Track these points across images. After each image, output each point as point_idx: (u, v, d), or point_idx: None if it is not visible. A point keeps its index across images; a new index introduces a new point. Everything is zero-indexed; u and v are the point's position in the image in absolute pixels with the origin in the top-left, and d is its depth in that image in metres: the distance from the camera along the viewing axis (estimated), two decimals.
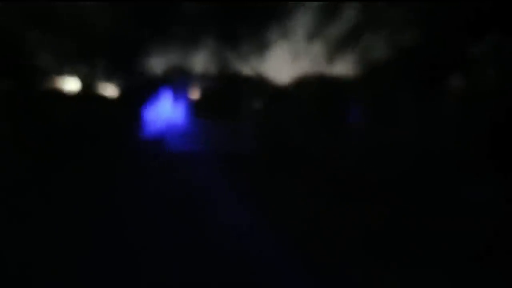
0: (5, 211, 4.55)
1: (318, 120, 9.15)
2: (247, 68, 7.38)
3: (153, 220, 4.48)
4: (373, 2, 5.96)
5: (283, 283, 2.96)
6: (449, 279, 3.13)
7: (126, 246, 3.62)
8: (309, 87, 10.99)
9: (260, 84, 15.77)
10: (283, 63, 6.84)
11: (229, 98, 12.34)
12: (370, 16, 6.03)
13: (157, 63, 18.81)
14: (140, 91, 19.36)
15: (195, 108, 14.12)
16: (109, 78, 19.10)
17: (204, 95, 16.87)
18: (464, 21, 5.94)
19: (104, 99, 21.59)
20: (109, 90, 21.65)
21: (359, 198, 5.32)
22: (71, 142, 10.33)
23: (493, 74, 7.10)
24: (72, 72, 17.49)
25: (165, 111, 17.15)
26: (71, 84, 19.57)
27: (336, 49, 6.41)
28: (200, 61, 7.55)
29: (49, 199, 5.20)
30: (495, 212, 4.66)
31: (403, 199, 5.15)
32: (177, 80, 15.79)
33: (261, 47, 6.51)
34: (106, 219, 4.45)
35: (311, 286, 2.90)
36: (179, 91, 13.71)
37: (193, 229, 4.15)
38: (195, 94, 14.67)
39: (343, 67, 6.44)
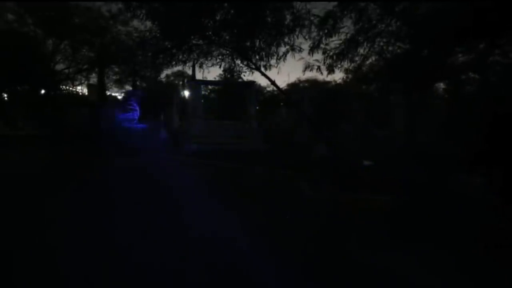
0: (22, 198, 5.02)
1: (320, 120, 9.70)
2: (256, 75, 7.86)
3: (153, 215, 4.59)
4: (367, 18, 6.45)
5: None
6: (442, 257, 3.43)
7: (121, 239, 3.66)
8: (311, 92, 11.66)
9: (266, 90, 16.39)
10: (288, 71, 7.42)
11: (238, 102, 12.99)
12: (365, 30, 6.53)
13: (171, 71, 19.30)
14: (150, 96, 20.08)
15: (205, 110, 14.80)
16: (120, 83, 19.89)
17: (216, 99, 17.50)
18: (451, 31, 6.25)
19: (113, 102, 22.34)
20: (119, 94, 22.40)
21: (360, 190, 5.68)
22: (81, 142, 10.94)
23: (478, 80, 7.63)
24: (86, 77, 18.29)
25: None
26: (84, 88, 20.41)
27: (335, 59, 6.90)
28: (214, 69, 8.02)
29: (60, 190, 5.64)
30: (479, 203, 5.06)
31: (398, 191, 5.49)
32: (188, 86, 16.50)
33: (270, 57, 7.01)
34: (110, 212, 4.60)
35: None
36: (191, 97, 14.38)
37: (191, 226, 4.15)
38: (205, 98, 15.28)
39: (341, 75, 6.94)
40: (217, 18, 6.39)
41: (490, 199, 5.25)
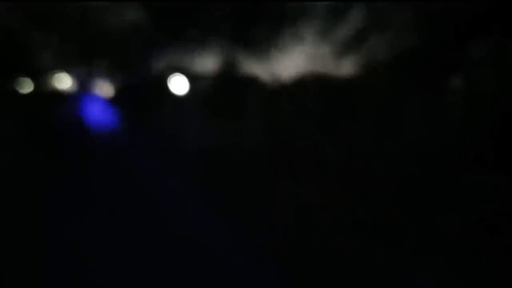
0: (7, 197, 4.74)
1: (323, 118, 9.47)
2: (256, 68, 7.62)
3: (138, 216, 4.44)
4: (378, 6, 6.19)
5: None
6: (450, 266, 3.34)
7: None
8: (316, 87, 11.36)
9: (267, 84, 15.88)
10: (292, 63, 7.09)
11: (236, 97, 12.65)
12: (375, 20, 6.25)
13: (163, 64, 18.96)
14: (139, 91, 19.55)
15: (199, 107, 14.37)
16: (108, 78, 19.27)
17: (211, 94, 17.02)
18: (464, 23, 6.09)
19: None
20: (107, 89, 21.89)
21: (366, 194, 5.53)
22: (63, 139, 10.58)
23: (493, 74, 7.39)
24: (71, 71, 17.61)
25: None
26: (68, 83, 19.74)
27: (342, 51, 6.63)
28: (211, 62, 7.74)
29: (41, 190, 5.27)
30: (494, 206, 4.87)
31: (407, 194, 5.39)
32: (182, 81, 15.99)
33: (271, 48, 6.72)
34: (96, 213, 4.48)
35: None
36: (187, 93, 13.95)
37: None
38: (202, 93, 14.86)
39: (349, 68, 6.72)
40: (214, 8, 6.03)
41: (493, 200, 5.15)
